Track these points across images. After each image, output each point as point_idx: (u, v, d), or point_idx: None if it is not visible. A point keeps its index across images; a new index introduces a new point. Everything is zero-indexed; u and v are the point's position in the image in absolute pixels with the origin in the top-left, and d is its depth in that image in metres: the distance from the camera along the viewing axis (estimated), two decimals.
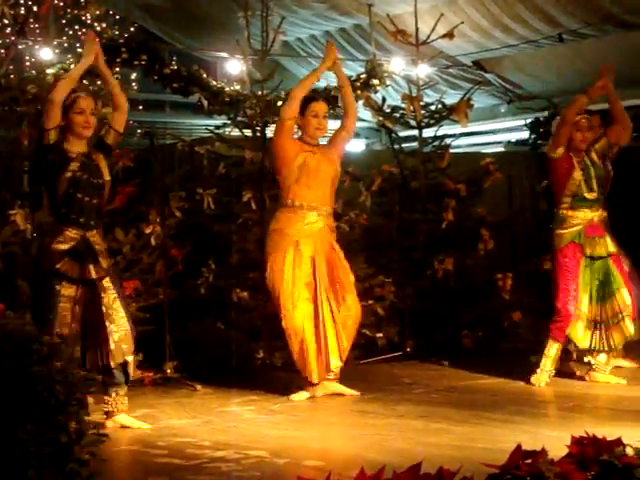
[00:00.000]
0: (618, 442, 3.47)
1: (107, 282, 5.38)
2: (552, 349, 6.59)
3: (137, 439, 4.94)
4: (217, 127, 8.19)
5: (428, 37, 8.48)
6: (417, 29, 8.48)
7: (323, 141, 6.57)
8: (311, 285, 6.18)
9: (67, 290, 5.25)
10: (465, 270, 8.41)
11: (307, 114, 6.27)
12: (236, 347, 7.17)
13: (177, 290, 7.31)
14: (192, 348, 7.15)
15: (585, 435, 3.50)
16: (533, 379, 6.56)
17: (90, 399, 4.92)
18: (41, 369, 3.60)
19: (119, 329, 5.33)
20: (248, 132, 7.74)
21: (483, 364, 7.58)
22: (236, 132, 7.82)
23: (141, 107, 12.35)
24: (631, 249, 7.10)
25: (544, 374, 6.56)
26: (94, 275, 5.30)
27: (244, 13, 7.91)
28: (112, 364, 5.33)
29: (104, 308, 5.31)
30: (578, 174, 6.59)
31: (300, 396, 6.19)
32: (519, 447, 3.42)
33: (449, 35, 8.54)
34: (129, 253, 7.17)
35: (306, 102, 6.30)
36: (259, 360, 7.21)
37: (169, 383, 6.85)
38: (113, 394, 5.43)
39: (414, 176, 8.48)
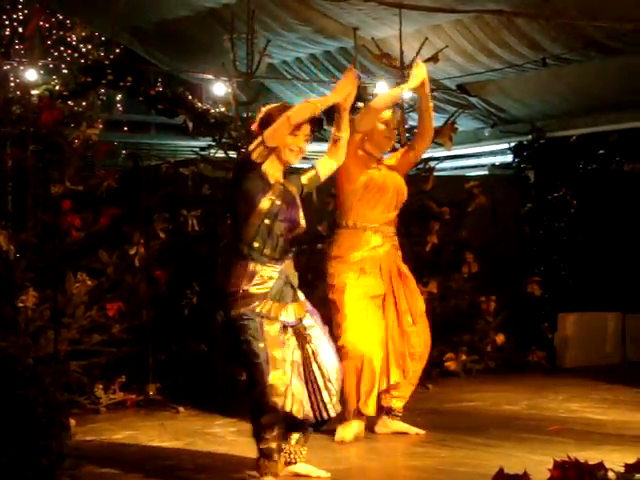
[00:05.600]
0: (600, 466, 3.47)
1: (308, 318, 4.68)
2: None
3: (119, 462, 4.91)
4: (202, 149, 8.19)
5: (413, 60, 8.50)
6: (402, 53, 8.51)
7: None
8: (378, 306, 5.71)
9: (270, 323, 4.52)
10: (449, 293, 8.43)
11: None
12: (219, 369, 7.15)
13: (160, 312, 7.29)
14: (175, 370, 7.13)
15: (567, 459, 3.50)
16: None
17: (72, 421, 4.90)
18: (23, 392, 3.58)
19: (331, 372, 4.65)
20: (233, 154, 7.74)
21: (467, 387, 7.59)
22: (221, 154, 7.82)
23: (126, 128, 12.36)
24: None
25: None
26: (296, 316, 4.61)
27: (230, 36, 7.93)
28: (327, 416, 4.65)
29: (311, 350, 4.63)
30: None
31: (344, 433, 5.58)
32: (501, 471, 3.42)
33: (433, 59, 8.56)
34: (113, 274, 7.16)
35: None
36: (242, 382, 7.18)
37: (152, 405, 6.82)
38: (294, 441, 4.70)
39: None
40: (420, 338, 5.83)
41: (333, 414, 4.66)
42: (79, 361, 6.73)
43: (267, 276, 4.53)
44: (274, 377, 4.42)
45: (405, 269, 5.85)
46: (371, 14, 8.72)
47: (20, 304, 6.52)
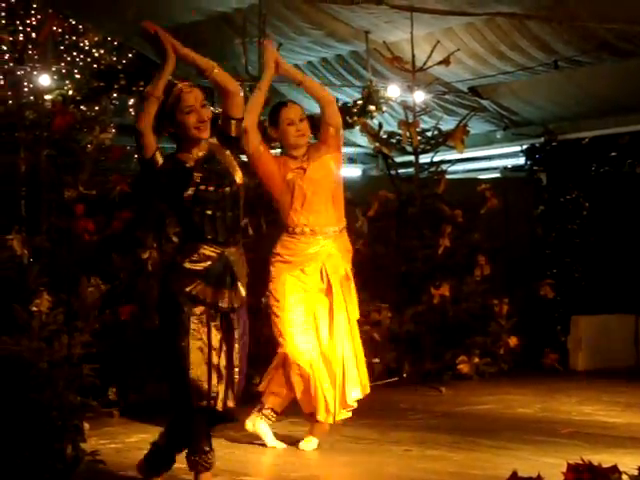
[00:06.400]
0: (614, 469, 3.46)
1: (236, 317, 4.43)
2: None
3: (133, 465, 4.91)
4: None
5: (424, 64, 8.54)
6: (413, 56, 8.54)
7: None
8: (322, 309, 5.49)
9: (199, 309, 4.32)
10: (461, 296, 8.43)
11: (281, 125, 5.53)
12: None
13: None
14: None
15: (581, 462, 3.49)
16: None
17: (86, 425, 4.91)
18: (37, 396, 3.59)
19: (235, 376, 4.40)
20: (244, 157, 7.74)
21: (480, 390, 7.59)
22: None
23: None
24: None
25: None
26: (228, 304, 4.37)
27: (241, 40, 7.97)
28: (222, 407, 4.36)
29: (235, 345, 4.39)
30: None
31: (310, 444, 5.47)
32: (515, 474, 3.42)
33: (445, 62, 8.59)
34: (126, 278, 7.18)
35: (275, 112, 5.59)
36: (255, 385, 7.18)
37: (165, 408, 6.82)
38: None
39: (410, 202, 8.50)
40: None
41: (230, 405, 4.38)
42: (92, 364, 6.75)
43: (205, 255, 4.33)
44: (195, 379, 4.26)
45: (350, 272, 5.63)
46: (382, 17, 8.73)
47: (34, 308, 6.54)
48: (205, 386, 4.28)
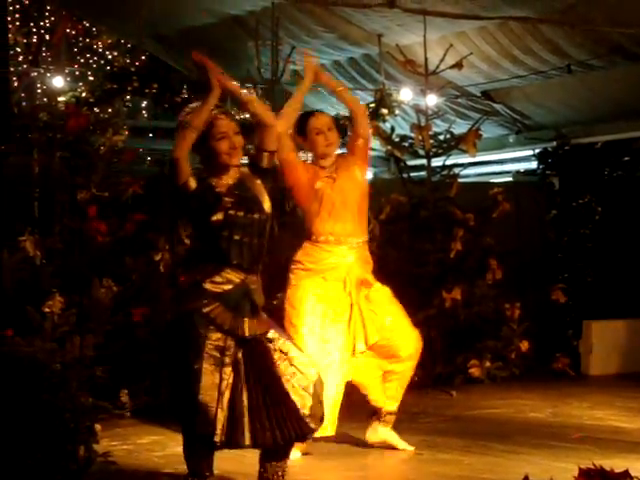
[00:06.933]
0: (625, 474, 3.45)
1: (272, 334, 4.34)
2: None
3: (145, 467, 4.94)
4: None
5: (437, 67, 8.54)
6: (426, 59, 8.54)
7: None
8: (338, 320, 5.43)
9: (215, 335, 4.22)
10: (473, 299, 8.42)
11: (309, 134, 5.49)
12: None
13: None
14: None
15: (592, 467, 3.49)
16: None
17: (98, 426, 4.94)
18: (50, 397, 3.61)
19: (305, 390, 4.26)
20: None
21: (491, 394, 7.58)
22: (245, 160, 7.84)
23: (151, 135, 12.43)
24: None
25: None
26: (251, 331, 4.26)
27: (254, 42, 7.99)
28: (307, 430, 4.28)
29: (278, 367, 4.26)
30: None
31: (294, 454, 5.08)
32: (526, 478, 3.42)
33: (458, 65, 8.60)
34: (138, 280, 7.19)
35: (303, 121, 5.53)
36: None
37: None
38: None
39: (423, 205, 8.51)
40: (401, 342, 5.56)
41: (313, 426, 4.27)
42: (105, 366, 6.76)
43: (228, 278, 4.27)
44: (204, 404, 4.14)
45: (372, 279, 5.55)
46: (395, 21, 8.74)
47: (46, 309, 6.57)
48: (212, 412, 4.17)
